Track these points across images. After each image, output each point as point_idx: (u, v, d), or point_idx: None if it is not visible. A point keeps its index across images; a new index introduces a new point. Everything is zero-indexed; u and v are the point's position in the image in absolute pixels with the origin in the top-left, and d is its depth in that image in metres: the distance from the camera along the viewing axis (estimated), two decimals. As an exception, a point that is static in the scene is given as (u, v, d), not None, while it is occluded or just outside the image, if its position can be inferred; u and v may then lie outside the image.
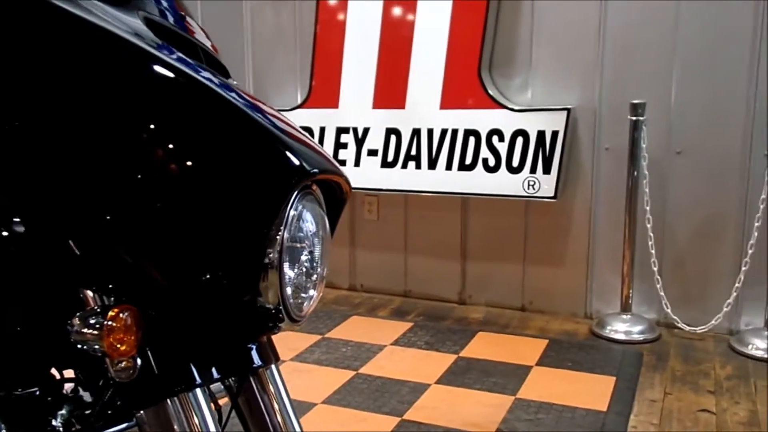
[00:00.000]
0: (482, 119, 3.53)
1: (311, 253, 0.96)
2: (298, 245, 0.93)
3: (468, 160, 3.57)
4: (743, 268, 3.24)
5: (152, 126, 0.83)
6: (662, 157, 3.41)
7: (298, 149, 0.90)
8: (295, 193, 0.89)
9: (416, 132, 3.67)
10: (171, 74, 0.85)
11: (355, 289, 4.13)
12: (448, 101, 3.60)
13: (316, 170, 0.91)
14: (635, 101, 3.27)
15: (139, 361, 0.86)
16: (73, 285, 0.87)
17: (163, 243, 0.83)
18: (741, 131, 3.28)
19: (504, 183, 3.51)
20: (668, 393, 2.80)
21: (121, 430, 1.03)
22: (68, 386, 1.10)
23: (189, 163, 0.84)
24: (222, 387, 1.03)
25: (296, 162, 0.88)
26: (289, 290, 0.93)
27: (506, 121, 3.49)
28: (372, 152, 3.76)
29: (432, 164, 3.65)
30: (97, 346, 0.83)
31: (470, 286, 3.90)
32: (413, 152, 3.68)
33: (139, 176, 0.82)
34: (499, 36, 3.62)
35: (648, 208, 3.34)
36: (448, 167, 3.62)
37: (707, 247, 3.41)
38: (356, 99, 3.78)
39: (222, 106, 0.88)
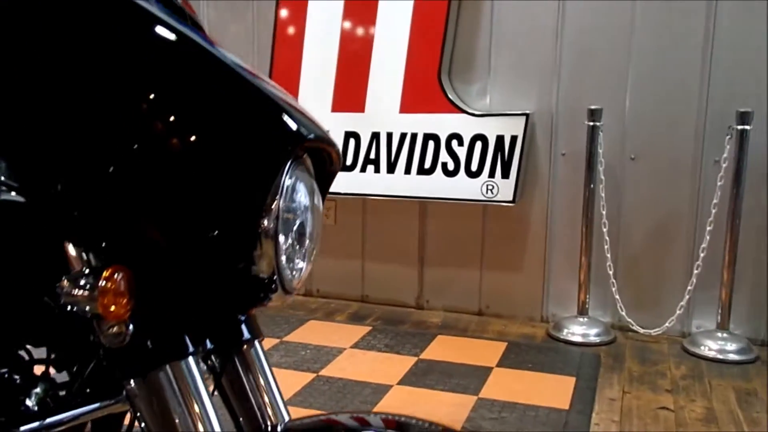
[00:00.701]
0: (442, 123, 3.54)
1: (302, 224, 0.93)
2: (292, 215, 0.90)
3: (427, 164, 3.58)
4: (695, 272, 3.32)
5: (152, 82, 0.80)
6: (617, 162, 3.48)
7: (295, 114, 0.87)
8: (290, 160, 0.87)
9: (375, 136, 3.66)
10: (171, 34, 0.82)
11: (311, 295, 4.07)
12: (408, 105, 3.60)
13: (312, 135, 0.88)
14: (592, 107, 3.33)
15: (131, 327, 0.81)
16: (61, 242, 0.82)
17: (159, 202, 0.79)
18: (693, 137, 3.38)
19: (463, 187, 3.52)
20: (627, 392, 2.83)
21: (98, 408, 0.97)
22: (39, 368, 1.04)
23: (187, 120, 0.81)
24: (204, 367, 0.98)
25: (294, 126, 0.86)
26: (284, 259, 0.90)
27: (466, 125, 3.51)
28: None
29: (391, 168, 3.64)
30: (88, 308, 0.78)
31: (428, 291, 3.89)
32: (372, 156, 3.67)
33: (137, 132, 0.78)
34: (459, 42, 3.65)
35: (604, 212, 3.40)
36: (407, 171, 3.61)
37: (661, 251, 3.49)
38: (315, 102, 3.75)
39: (221, 66, 0.86)
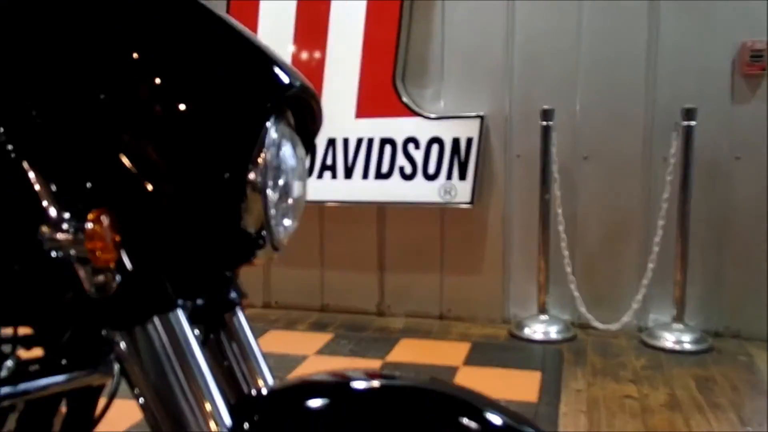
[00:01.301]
0: (398, 127, 3.56)
1: (287, 182, 0.92)
2: (278, 170, 0.89)
3: (384, 169, 3.58)
4: (650, 266, 3.39)
5: (140, 26, 0.79)
6: (570, 162, 3.55)
7: (282, 65, 0.87)
8: (275, 113, 0.86)
9: (332, 142, 3.65)
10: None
11: (270, 306, 4.01)
12: (364, 110, 3.61)
13: (299, 83, 0.87)
14: (546, 107, 3.40)
15: (117, 276, 0.77)
16: (36, 187, 0.78)
17: (142, 145, 0.77)
18: (641, 135, 3.47)
19: (421, 190, 3.54)
20: (591, 384, 2.86)
21: (74, 378, 0.92)
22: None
23: (175, 65, 0.80)
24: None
25: (282, 76, 0.85)
26: (273, 212, 0.88)
27: (422, 128, 3.54)
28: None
29: (348, 173, 3.63)
30: (73, 252, 0.75)
31: (389, 297, 3.87)
32: (329, 162, 3.65)
33: (122, 73, 0.77)
34: (411, 48, 3.68)
35: (560, 211, 3.45)
36: (365, 176, 3.61)
37: (616, 247, 3.56)
38: (269, 109, 3.71)
39: (208, 14, 0.85)
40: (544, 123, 3.39)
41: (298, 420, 0.82)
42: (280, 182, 0.91)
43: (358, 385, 0.87)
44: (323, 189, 3.66)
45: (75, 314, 0.85)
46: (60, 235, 0.75)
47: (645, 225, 3.51)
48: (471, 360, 3.11)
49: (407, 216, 3.72)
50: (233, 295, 0.96)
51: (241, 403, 0.83)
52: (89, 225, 0.74)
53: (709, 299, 3.49)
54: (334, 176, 3.64)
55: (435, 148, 3.52)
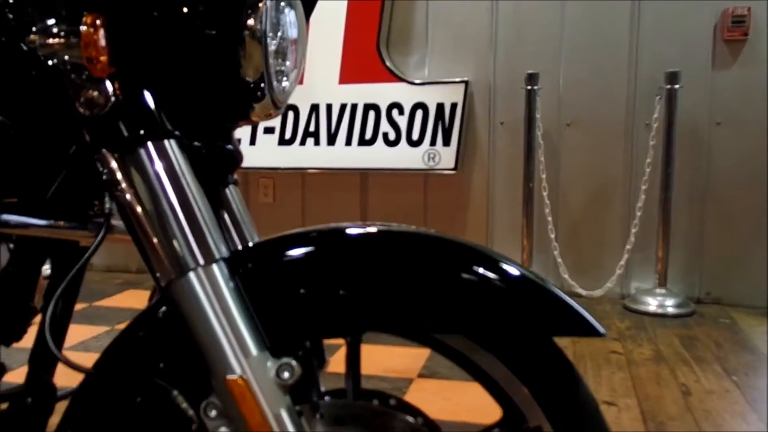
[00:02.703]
0: (382, 93, 3.54)
1: (285, 38, 0.90)
2: (278, 22, 0.87)
3: (368, 135, 3.55)
4: (633, 230, 3.40)
5: None
6: (554, 129, 3.55)
7: None
8: None
9: (315, 108, 3.62)
10: None
11: (251, 277, 3.95)
12: (348, 76, 3.58)
13: None
14: (530, 71, 3.39)
15: (111, 93, 0.74)
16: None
17: None
18: (624, 102, 3.49)
19: (404, 156, 3.51)
20: (576, 342, 2.85)
21: (60, 227, 0.88)
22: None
23: None
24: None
25: None
26: (272, 60, 0.86)
27: (406, 94, 3.52)
28: (268, 130, 3.66)
29: (331, 140, 3.60)
30: (67, 57, 0.71)
31: (371, 267, 3.83)
32: (312, 128, 3.62)
33: None
34: (396, 14, 3.66)
35: (544, 177, 3.45)
36: (348, 143, 3.58)
37: (600, 213, 3.56)
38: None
39: None
40: (529, 87, 3.39)
41: (292, 264, 0.79)
42: (280, 34, 0.89)
43: (354, 231, 0.84)
44: (306, 156, 3.62)
45: (69, 138, 0.81)
46: (52, 40, 0.71)
47: (628, 191, 3.52)
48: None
49: (390, 182, 3.69)
50: (233, 154, 0.93)
51: (234, 254, 0.80)
52: (83, 27, 0.70)
53: (691, 266, 3.50)
54: (317, 143, 3.61)
55: (419, 113, 3.50)
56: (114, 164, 0.76)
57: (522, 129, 3.45)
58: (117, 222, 1.01)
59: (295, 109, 3.63)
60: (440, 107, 3.48)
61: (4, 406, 0.95)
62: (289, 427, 0.73)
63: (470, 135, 3.61)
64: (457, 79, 3.52)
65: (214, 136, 0.88)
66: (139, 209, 0.76)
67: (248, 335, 0.74)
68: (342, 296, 0.79)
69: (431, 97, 3.49)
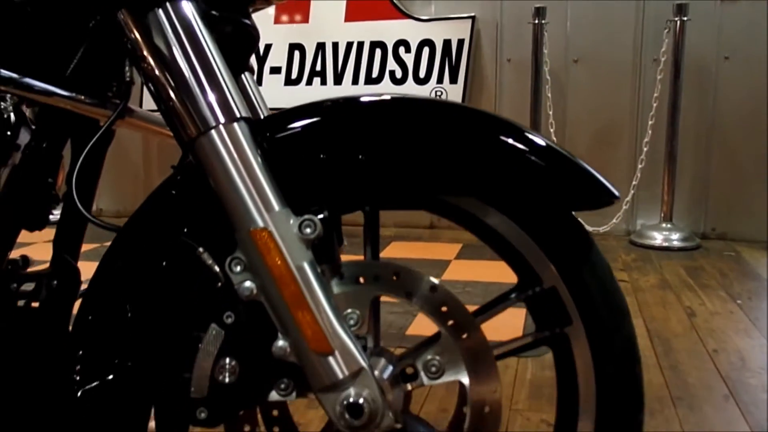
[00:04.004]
0: (388, 30, 3.51)
1: None
2: None
3: (375, 73, 3.54)
4: (639, 166, 3.41)
5: None
6: (561, 65, 3.53)
7: None
8: None
9: (321, 46, 3.60)
10: None
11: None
12: (354, 13, 3.56)
13: None
14: (538, 5, 3.36)
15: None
16: None
17: None
18: (632, 37, 3.46)
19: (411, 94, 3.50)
20: (583, 272, 2.88)
21: (80, 101, 0.89)
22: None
23: None
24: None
25: None
26: None
27: (412, 31, 3.49)
28: (275, 69, 3.65)
29: (338, 79, 3.59)
30: None
31: (378, 207, 3.85)
32: (318, 68, 3.61)
33: None
34: (401, -49, 3.62)
35: (551, 113, 3.45)
36: (355, 81, 3.57)
37: (606, 148, 3.56)
38: (256, 14, 3.64)
39: None
40: (536, 22, 3.36)
41: (312, 130, 0.81)
42: None
43: (370, 98, 0.86)
44: (313, 96, 3.58)
45: (88, 10, 0.82)
46: None
47: (635, 126, 3.51)
48: (462, 256, 3.13)
49: (397, 122, 3.68)
50: (250, 31, 0.94)
51: (255, 122, 0.81)
52: None
53: (697, 202, 3.52)
54: (323, 82, 3.60)
55: (426, 51, 3.48)
56: (134, 26, 0.77)
57: (529, 66, 3.44)
58: (134, 107, 1.03)
59: (301, 48, 3.61)
60: (447, 44, 3.46)
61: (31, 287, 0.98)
62: (312, 279, 0.75)
63: (477, 72, 3.59)
64: (464, 15, 3.49)
65: (232, 6, 0.89)
66: (159, 70, 0.77)
67: (270, 191, 0.76)
68: (361, 161, 0.80)
69: (438, 33, 3.47)
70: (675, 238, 3.33)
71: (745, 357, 1.95)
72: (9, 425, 0.92)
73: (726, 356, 1.96)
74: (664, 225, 3.40)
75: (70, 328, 0.88)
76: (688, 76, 3.33)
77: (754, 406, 1.64)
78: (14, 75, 0.83)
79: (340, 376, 0.74)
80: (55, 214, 1.01)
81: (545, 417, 1.58)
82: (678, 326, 2.21)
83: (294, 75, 3.62)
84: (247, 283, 0.76)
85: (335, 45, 3.58)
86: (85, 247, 1.03)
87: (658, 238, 3.35)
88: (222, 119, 0.76)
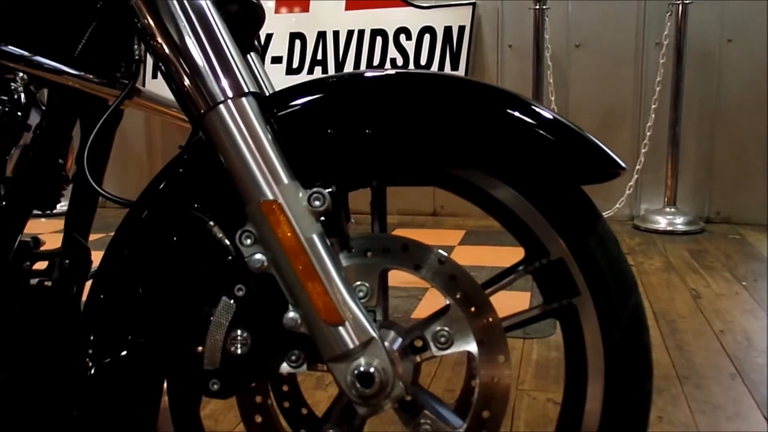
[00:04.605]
0: (389, 18, 3.51)
1: None
2: None
3: (376, 61, 3.54)
4: (642, 151, 3.41)
5: None
6: (563, 50, 3.52)
7: None
8: None
9: (322, 35, 3.60)
10: None
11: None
12: (354, 1, 3.55)
13: None
14: (539, -10, 3.36)
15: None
16: None
17: None
18: (634, 21, 3.45)
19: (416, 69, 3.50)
20: (587, 257, 2.88)
21: (89, 80, 0.90)
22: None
23: None
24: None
25: None
26: None
27: (413, 18, 3.49)
28: (276, 59, 3.64)
29: (339, 68, 3.59)
30: None
31: (382, 195, 3.86)
32: (319, 56, 3.61)
33: None
34: (401, -62, 3.61)
35: (553, 98, 3.44)
36: (356, 69, 3.56)
37: (609, 133, 3.56)
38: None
39: None
40: (537, 7, 3.35)
41: (319, 105, 0.81)
42: None
43: (376, 74, 0.86)
44: (314, 85, 3.61)
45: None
46: None
47: (638, 111, 3.51)
48: (466, 241, 3.13)
49: (399, 110, 3.69)
50: (256, 9, 0.95)
51: (262, 98, 0.82)
52: None
53: (701, 186, 3.52)
54: (324, 71, 3.60)
55: (426, 38, 3.48)
56: (143, 3, 0.77)
57: (530, 52, 3.43)
58: (143, 88, 1.04)
59: (302, 38, 3.61)
60: (448, 31, 3.46)
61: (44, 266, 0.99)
62: (322, 251, 0.76)
63: (478, 59, 3.59)
64: (465, 2, 3.48)
65: None
66: (169, 48, 0.77)
67: (279, 164, 0.76)
68: (368, 135, 0.81)
69: (438, 20, 3.47)
70: (679, 222, 3.34)
71: (752, 337, 1.96)
72: (23, 402, 0.93)
73: (732, 336, 1.96)
74: (667, 209, 3.40)
75: (82, 306, 0.89)
76: (690, 59, 3.32)
77: (762, 384, 1.65)
78: (25, 53, 0.83)
79: (351, 345, 0.75)
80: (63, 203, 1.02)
81: (551, 396, 1.59)
82: (683, 308, 2.21)
83: (295, 64, 3.62)
84: (258, 256, 0.77)
85: (336, 33, 3.57)
86: (92, 237, 1.04)
87: (662, 223, 3.35)
88: (230, 94, 0.76)
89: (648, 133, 3.38)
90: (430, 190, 3.78)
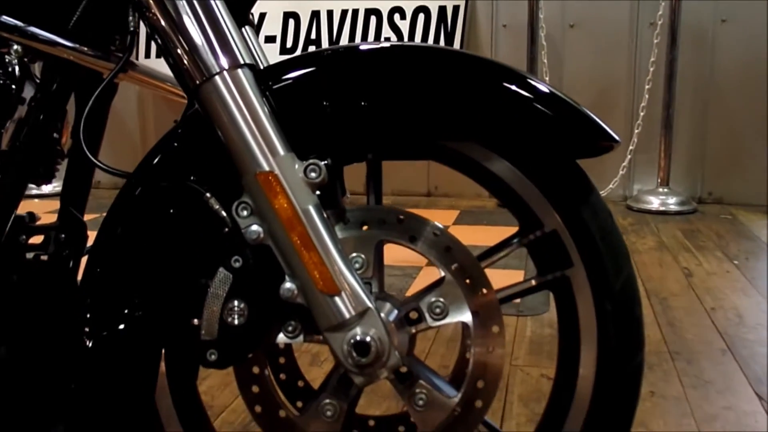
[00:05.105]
0: (383, -3, 3.49)
1: None
2: None
3: (370, 41, 3.52)
4: (636, 131, 3.42)
5: None
6: (557, 30, 3.52)
7: None
8: None
9: (315, 14, 3.58)
10: None
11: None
12: (348, -20, 3.53)
13: None
14: (533, -31, 3.35)
15: None
16: None
17: None
18: (628, 2, 3.45)
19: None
20: (580, 236, 2.90)
21: (83, 53, 0.89)
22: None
23: None
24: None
25: None
26: None
27: (407, -3, 3.48)
28: (270, 39, 3.62)
29: (333, 47, 3.57)
30: None
31: (376, 176, 3.86)
32: (313, 36, 3.59)
33: None
34: None
35: (547, 78, 3.44)
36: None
37: (603, 113, 3.50)
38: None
39: None
40: (532, -13, 3.34)
41: (314, 78, 0.81)
42: None
43: (371, 46, 0.86)
44: (308, 65, 3.59)
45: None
46: None
47: (631, 91, 3.52)
48: (460, 221, 3.15)
49: (394, 90, 3.68)
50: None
51: (258, 70, 0.82)
52: None
53: (694, 166, 3.53)
54: (318, 51, 3.58)
55: (421, 17, 3.46)
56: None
57: (525, 31, 3.42)
58: (137, 62, 1.03)
59: (296, 17, 3.59)
60: (442, 10, 3.44)
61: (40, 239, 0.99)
62: (318, 222, 0.77)
63: (472, 38, 3.58)
64: (459, -19, 3.47)
65: None
66: (164, 19, 0.77)
67: (275, 136, 0.76)
68: (363, 108, 0.81)
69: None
70: (672, 203, 3.35)
71: (743, 314, 1.98)
72: (22, 376, 0.94)
73: (723, 313, 1.98)
74: (660, 189, 3.41)
75: (79, 280, 0.90)
76: (685, 39, 3.32)
77: (752, 360, 1.67)
78: (19, 23, 0.83)
79: (347, 315, 0.76)
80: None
81: (545, 372, 1.60)
82: (675, 286, 2.23)
83: (289, 44, 3.60)
84: (254, 227, 0.77)
85: (330, 13, 3.55)
86: (86, 217, 1.04)
87: (654, 203, 3.37)
88: (226, 65, 0.76)
89: (641, 114, 3.39)
90: (424, 170, 3.79)
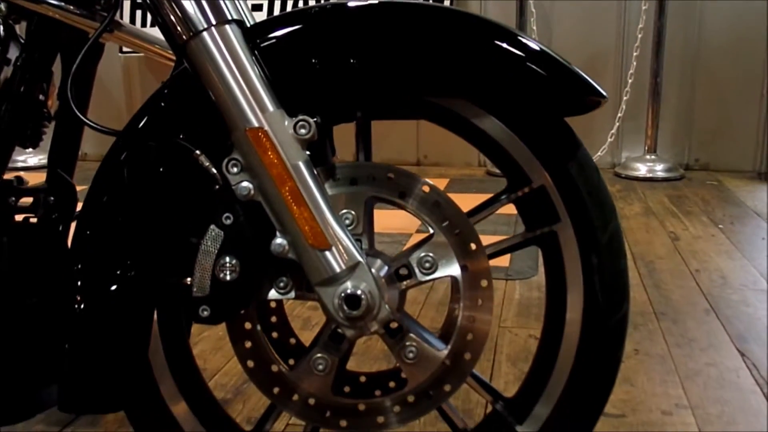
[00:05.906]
0: (370, -36, 3.45)
1: None
2: None
3: (358, 9, 3.50)
4: (624, 98, 3.42)
5: None
6: (546, -3, 3.50)
7: None
8: None
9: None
10: None
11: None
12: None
13: None
14: (521, -66, 3.32)
15: None
16: None
17: None
18: (617, -33, 3.43)
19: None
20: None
21: (67, 9, 0.89)
22: None
23: None
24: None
25: None
26: None
27: (394, -36, 3.44)
28: (256, 7, 3.59)
29: (320, 16, 3.54)
30: None
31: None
32: (300, 4, 3.55)
33: None
34: None
35: (535, 46, 3.43)
36: (338, 18, 3.52)
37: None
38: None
39: None
40: (520, -48, 3.32)
41: (304, 35, 0.81)
42: None
43: (356, 3, 0.86)
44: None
45: None
46: None
47: (620, 58, 3.51)
48: (449, 189, 3.16)
49: (382, 59, 3.66)
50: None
51: (246, 28, 0.81)
52: None
53: (681, 133, 3.55)
54: (305, 19, 3.55)
55: (408, -16, 3.43)
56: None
57: (513, -1, 3.41)
58: (123, 22, 1.03)
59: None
60: (430, -23, 3.41)
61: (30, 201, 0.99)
62: (308, 177, 0.77)
63: (461, 6, 3.56)
64: (447, -53, 3.44)
65: None
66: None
67: (264, 92, 0.77)
68: (351, 65, 0.81)
69: (421, -34, 3.42)
70: (659, 169, 3.37)
71: (727, 276, 2.01)
72: (15, 337, 0.94)
73: (708, 275, 2.01)
74: (648, 156, 3.43)
75: (69, 242, 0.90)
76: (672, 5, 3.31)
77: (736, 319, 1.70)
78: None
79: (338, 269, 0.77)
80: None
81: (533, 333, 1.63)
82: (661, 249, 2.26)
83: (276, 12, 3.56)
84: (245, 183, 0.77)
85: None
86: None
87: (642, 170, 3.39)
88: (213, 21, 0.76)
89: (630, 81, 3.39)
90: (414, 139, 3.79)
